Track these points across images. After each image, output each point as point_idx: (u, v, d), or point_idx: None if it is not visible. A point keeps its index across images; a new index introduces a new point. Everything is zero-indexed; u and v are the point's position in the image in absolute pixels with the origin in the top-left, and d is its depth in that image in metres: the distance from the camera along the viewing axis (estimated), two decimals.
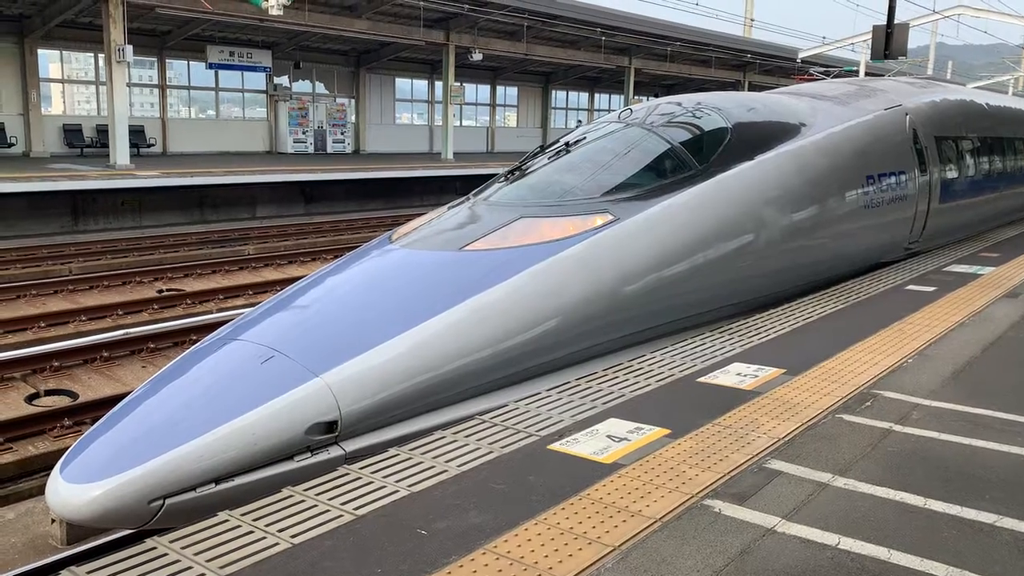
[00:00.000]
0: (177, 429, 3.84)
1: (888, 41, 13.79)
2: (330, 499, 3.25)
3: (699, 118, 7.04)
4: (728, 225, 6.23)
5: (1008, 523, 3.13)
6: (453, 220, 5.99)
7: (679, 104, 7.27)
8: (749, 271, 6.46)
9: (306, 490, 3.33)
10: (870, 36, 14.96)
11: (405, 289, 5.06)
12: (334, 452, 4.12)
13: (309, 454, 4.04)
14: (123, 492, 3.57)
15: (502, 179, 6.59)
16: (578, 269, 5.27)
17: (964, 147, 10.42)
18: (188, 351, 4.71)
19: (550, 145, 6.95)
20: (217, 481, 3.77)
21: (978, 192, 10.84)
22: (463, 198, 6.55)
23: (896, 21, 13.91)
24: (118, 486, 3.57)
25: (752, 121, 7.24)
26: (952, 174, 9.85)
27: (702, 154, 6.51)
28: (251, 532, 2.99)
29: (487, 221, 5.73)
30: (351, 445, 4.18)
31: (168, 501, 3.66)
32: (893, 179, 8.25)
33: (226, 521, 3.08)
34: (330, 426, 4.09)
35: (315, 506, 3.19)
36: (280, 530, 3.00)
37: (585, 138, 6.85)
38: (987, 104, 12.45)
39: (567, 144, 6.75)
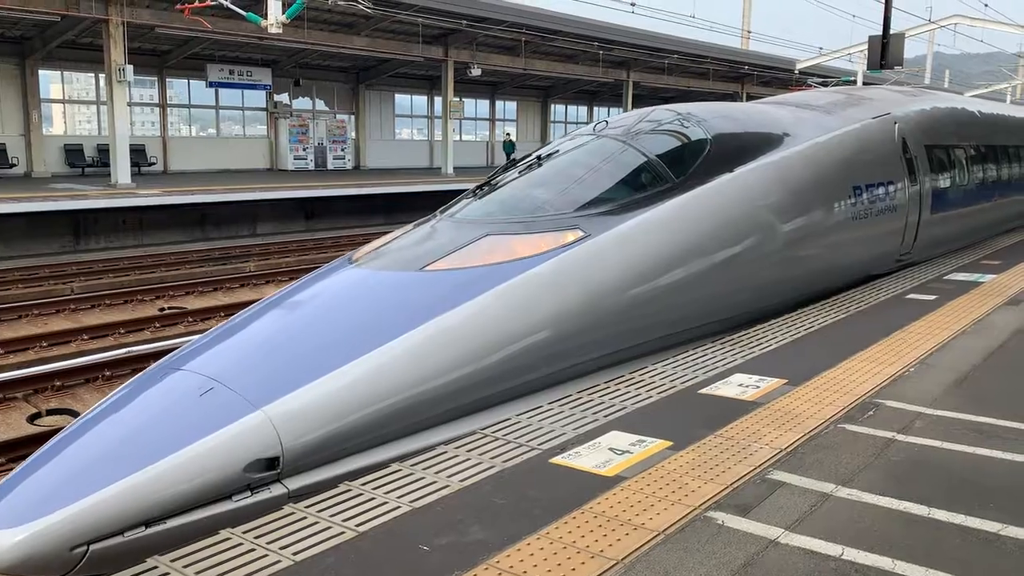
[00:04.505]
0: (105, 468, 3.61)
1: (884, 51, 13.86)
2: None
3: (677, 129, 6.85)
4: (706, 240, 6.04)
5: (1013, 531, 3.11)
6: (417, 238, 5.78)
7: (657, 115, 7.07)
8: (729, 287, 6.26)
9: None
10: (866, 47, 15.04)
11: (360, 312, 4.84)
12: (276, 490, 3.89)
13: (249, 493, 3.81)
14: (44, 538, 3.33)
15: (470, 194, 6.37)
16: (546, 289, 5.07)
17: (957, 156, 10.21)
18: (128, 382, 4.45)
19: (522, 159, 6.74)
20: (148, 524, 3.54)
21: (973, 201, 10.64)
22: (431, 215, 6.36)
23: (892, 31, 13.97)
24: (38, 532, 3.33)
25: (733, 132, 7.04)
26: (944, 183, 9.63)
27: (679, 166, 6.33)
28: None
29: (452, 239, 5.52)
30: (296, 482, 3.94)
31: (93, 547, 3.41)
32: (881, 190, 8.06)
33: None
34: (272, 462, 3.86)
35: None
36: None
37: (558, 151, 6.64)
38: (980, 111, 12.24)
39: (539, 157, 6.56)
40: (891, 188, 8.25)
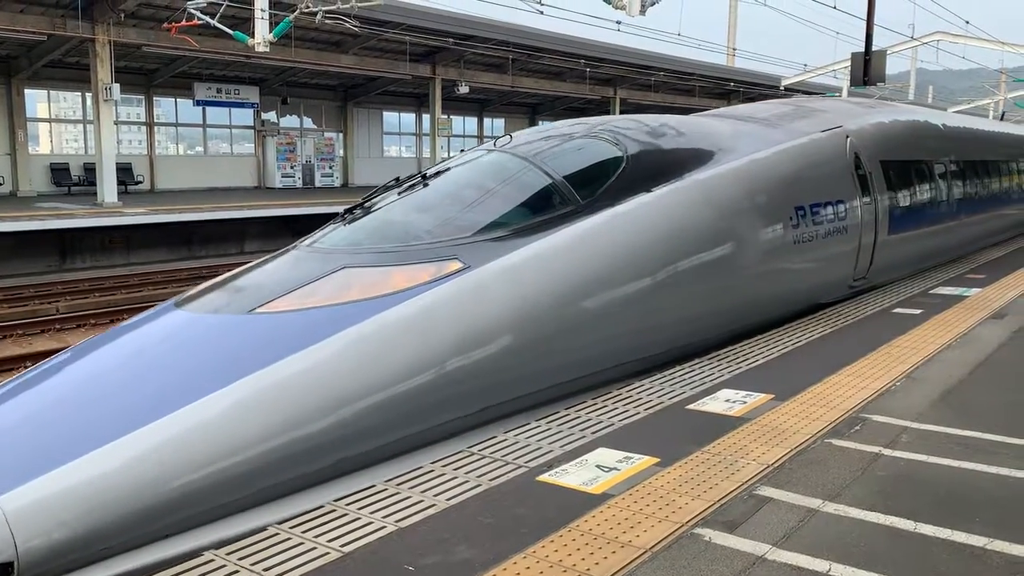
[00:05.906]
0: None
1: (867, 68, 13.98)
2: None
3: (588, 145, 6.18)
4: (614, 270, 5.33)
5: (999, 545, 3.11)
6: (261, 273, 5.08)
7: (568, 129, 6.43)
8: (644, 324, 5.56)
9: None
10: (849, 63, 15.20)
11: (158, 370, 4.05)
12: None
13: None
14: None
15: (339, 219, 5.60)
16: (408, 332, 4.32)
17: (917, 172, 9.48)
18: None
19: (407, 177, 6.02)
20: None
21: (935, 220, 9.90)
22: (291, 244, 5.60)
23: (874, 48, 14.12)
24: None
25: (655, 147, 6.39)
26: (903, 202, 8.92)
27: (586, 187, 5.63)
28: None
29: (300, 273, 4.80)
30: None
31: None
32: (830, 209, 7.34)
33: None
34: (5, 569, 3.11)
35: None
36: None
37: (448, 169, 5.96)
38: (943, 124, 11.54)
39: (424, 176, 5.83)
40: (841, 208, 7.54)
